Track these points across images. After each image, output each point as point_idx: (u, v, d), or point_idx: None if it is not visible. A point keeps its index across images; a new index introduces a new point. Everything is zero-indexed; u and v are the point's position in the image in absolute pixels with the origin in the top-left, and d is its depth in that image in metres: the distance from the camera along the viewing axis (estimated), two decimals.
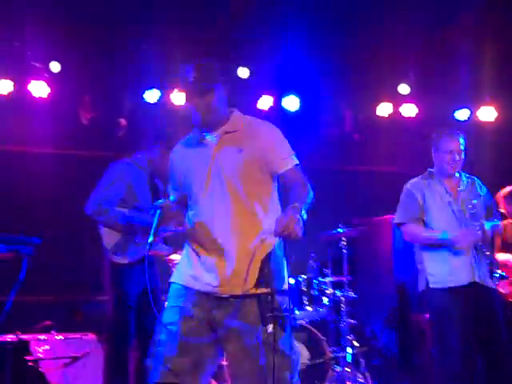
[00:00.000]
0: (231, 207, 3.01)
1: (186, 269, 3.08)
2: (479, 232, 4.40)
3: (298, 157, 7.21)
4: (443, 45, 7.26)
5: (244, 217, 3.02)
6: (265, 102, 7.46)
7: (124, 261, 4.61)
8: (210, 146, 3.10)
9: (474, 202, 4.53)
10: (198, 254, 3.05)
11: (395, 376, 6.12)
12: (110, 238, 4.62)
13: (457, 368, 4.33)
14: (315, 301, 5.74)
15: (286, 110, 7.51)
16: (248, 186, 3.04)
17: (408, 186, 4.65)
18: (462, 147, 4.55)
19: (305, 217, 2.94)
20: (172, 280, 3.12)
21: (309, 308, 5.71)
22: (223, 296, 2.98)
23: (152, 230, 3.00)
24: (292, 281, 5.79)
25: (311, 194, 3.09)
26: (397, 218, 4.63)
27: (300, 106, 7.50)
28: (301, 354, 5.22)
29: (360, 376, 5.50)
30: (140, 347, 4.63)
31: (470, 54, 7.32)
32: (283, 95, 7.45)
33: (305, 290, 5.75)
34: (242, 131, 3.13)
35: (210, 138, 3.12)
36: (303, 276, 5.78)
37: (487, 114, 7.57)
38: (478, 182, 4.67)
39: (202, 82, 3.03)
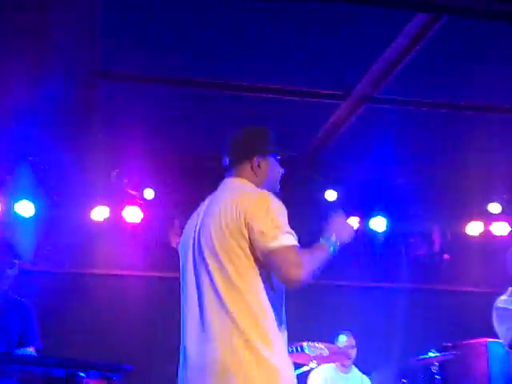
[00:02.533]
0: None
1: None
2: None
3: (387, 278, 7.08)
4: None
5: None
6: (352, 223, 7.50)
7: None
8: None
9: None
10: None
11: None
12: None
13: None
14: None
15: (374, 231, 7.52)
16: None
17: (499, 304, 4.49)
18: None
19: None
20: None
21: None
22: None
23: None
24: None
25: None
26: (504, 339, 4.40)
27: (388, 226, 7.50)
28: None
29: None
30: None
31: None
32: (370, 216, 7.49)
33: None
34: None
35: None
36: None
37: None
38: None
39: None
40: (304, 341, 5.22)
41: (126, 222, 6.83)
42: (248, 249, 2.69)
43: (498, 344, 7.00)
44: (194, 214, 3.01)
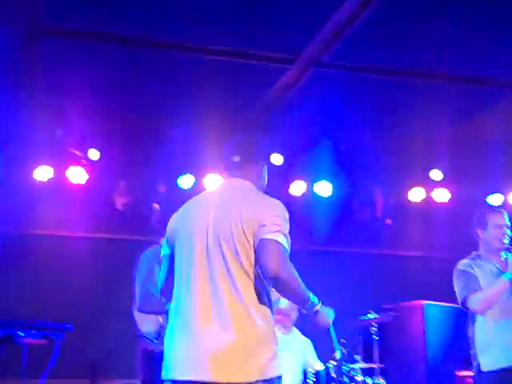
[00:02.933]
0: None
1: None
2: None
3: (330, 242, 7.30)
4: (475, 129, 7.34)
5: None
6: (297, 188, 7.58)
7: (159, 349, 4.58)
8: None
9: None
10: None
11: None
12: (146, 325, 4.62)
13: None
14: None
15: (319, 196, 7.61)
16: None
17: (459, 267, 4.58)
18: (509, 223, 4.56)
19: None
20: None
21: None
22: None
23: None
24: (322, 367, 5.74)
25: None
26: (459, 296, 4.50)
27: (332, 192, 7.60)
28: None
29: None
30: None
31: (502, 137, 7.37)
32: (315, 181, 7.58)
33: (334, 376, 5.67)
34: None
35: None
36: (333, 362, 5.72)
37: None
38: None
39: None
40: None
41: (70, 183, 6.76)
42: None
43: (434, 306, 7.24)
44: (196, 204, 3.20)
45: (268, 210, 3.01)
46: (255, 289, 2.96)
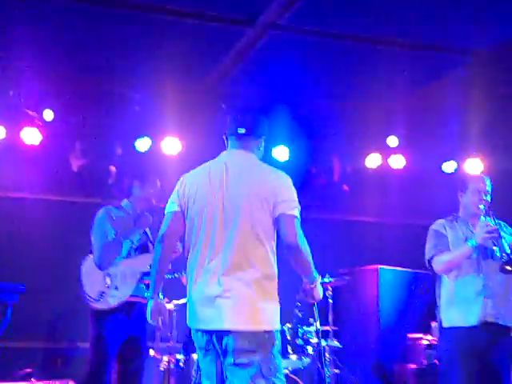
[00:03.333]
0: None
1: None
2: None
3: None
4: (431, 97, 7.40)
5: None
6: None
7: (105, 307, 4.60)
8: None
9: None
10: None
11: None
12: (91, 285, 4.63)
13: None
14: (299, 350, 5.74)
15: (276, 160, 7.62)
16: None
17: (433, 227, 4.66)
18: (489, 189, 4.62)
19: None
20: None
21: (293, 357, 5.70)
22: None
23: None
24: None
25: None
26: (426, 255, 4.59)
27: (290, 156, 7.61)
28: None
29: None
30: None
31: (457, 106, 7.44)
32: (273, 146, 7.57)
33: (289, 338, 5.75)
34: None
35: None
36: (288, 325, 5.79)
37: (474, 166, 7.65)
38: (503, 224, 4.66)
39: None
40: None
41: (24, 144, 6.63)
42: (269, 214, 3.41)
43: (388, 271, 7.36)
44: (207, 173, 3.56)
45: (283, 186, 3.46)
46: (265, 253, 3.41)
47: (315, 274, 3.56)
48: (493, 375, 4.39)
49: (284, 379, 3.39)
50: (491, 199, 4.60)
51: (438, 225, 4.66)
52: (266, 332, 3.34)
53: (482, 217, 4.53)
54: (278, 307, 3.44)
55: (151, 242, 4.83)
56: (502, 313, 4.42)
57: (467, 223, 4.62)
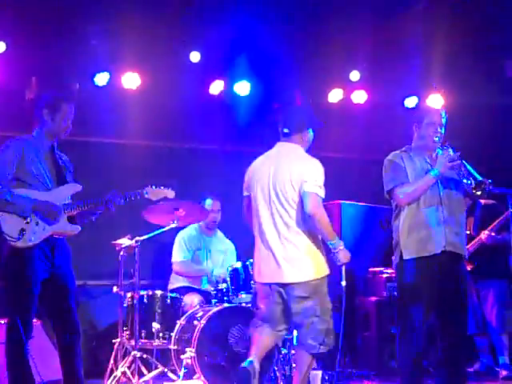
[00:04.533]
0: None
1: None
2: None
3: (248, 142, 7.41)
4: (393, 32, 7.34)
5: None
6: (216, 87, 7.48)
7: (26, 244, 4.34)
8: None
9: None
10: None
11: (338, 357, 6.21)
12: (8, 221, 4.32)
13: (419, 343, 4.47)
14: None
15: (238, 95, 7.54)
16: None
17: (389, 157, 4.70)
18: (444, 121, 4.66)
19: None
20: None
21: None
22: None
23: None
24: (239, 264, 5.85)
25: None
26: (386, 186, 4.65)
27: (251, 91, 7.53)
28: (246, 336, 5.33)
29: None
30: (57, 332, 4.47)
31: (420, 41, 7.42)
32: (235, 80, 7.48)
33: (252, 273, 5.78)
34: None
35: None
36: (251, 260, 5.81)
37: (435, 101, 7.68)
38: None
39: None
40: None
41: None
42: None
43: (350, 205, 7.42)
44: (262, 161, 4.69)
45: (310, 169, 4.44)
46: (300, 220, 4.44)
47: (336, 240, 4.45)
48: (447, 301, 4.53)
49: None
50: (445, 131, 4.65)
51: (395, 155, 4.70)
52: None
53: (438, 149, 4.58)
54: None
55: (70, 172, 4.64)
56: (457, 241, 4.55)
57: (422, 155, 4.67)
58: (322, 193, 4.44)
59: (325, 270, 4.49)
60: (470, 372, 5.87)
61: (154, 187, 4.91)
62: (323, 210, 4.43)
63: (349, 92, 7.86)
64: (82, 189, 4.60)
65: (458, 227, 4.59)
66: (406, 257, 4.56)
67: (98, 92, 6.94)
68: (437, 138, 4.60)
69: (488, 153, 7.22)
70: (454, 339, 4.55)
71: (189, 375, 5.36)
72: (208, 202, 6.59)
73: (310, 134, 4.73)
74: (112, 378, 5.38)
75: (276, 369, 5.44)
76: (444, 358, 4.56)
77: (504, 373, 6.30)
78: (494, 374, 6.42)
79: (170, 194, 5.08)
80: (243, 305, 5.61)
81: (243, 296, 5.70)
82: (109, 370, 5.53)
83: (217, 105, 7.52)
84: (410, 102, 7.80)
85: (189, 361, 5.32)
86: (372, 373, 6.44)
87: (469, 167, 4.51)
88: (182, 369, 5.38)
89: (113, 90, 7.03)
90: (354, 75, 7.73)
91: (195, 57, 7.14)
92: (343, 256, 4.47)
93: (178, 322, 5.72)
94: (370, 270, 7.02)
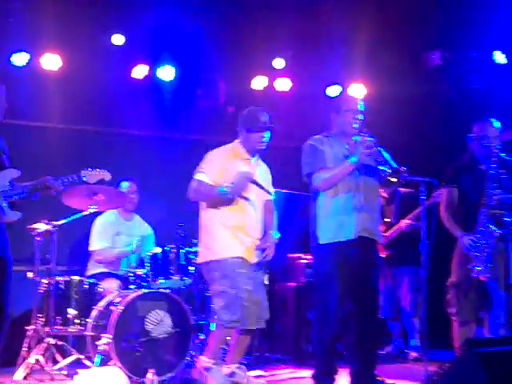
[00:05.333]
0: None
1: None
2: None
3: (171, 128, 7.33)
4: (317, 21, 7.41)
5: None
6: (140, 71, 7.40)
7: (5, 220, 4.35)
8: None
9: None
10: None
11: (256, 344, 6.27)
12: None
13: (333, 328, 4.56)
14: (182, 270, 5.78)
15: (161, 80, 7.48)
16: None
17: (309, 142, 4.75)
18: (362, 108, 4.72)
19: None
20: None
21: (175, 277, 5.74)
22: None
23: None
24: (159, 250, 5.81)
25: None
26: (304, 170, 4.71)
27: (175, 77, 7.48)
28: (164, 322, 5.31)
29: None
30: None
31: (343, 31, 7.49)
32: (158, 65, 7.41)
33: (172, 259, 5.77)
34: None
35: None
36: (170, 245, 5.80)
37: (357, 90, 7.79)
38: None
39: None
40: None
41: None
42: None
43: (277, 193, 7.45)
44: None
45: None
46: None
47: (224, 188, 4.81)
48: (360, 286, 4.63)
49: None
50: (364, 119, 4.73)
51: (315, 139, 4.76)
52: None
53: (356, 135, 4.65)
54: None
55: (6, 156, 4.50)
56: (371, 227, 4.66)
57: (341, 141, 4.73)
58: (198, 176, 4.89)
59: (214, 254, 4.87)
60: (382, 354, 6.00)
61: (90, 169, 4.85)
62: (197, 189, 4.85)
63: (272, 79, 7.89)
64: None
65: (373, 213, 4.69)
66: (322, 241, 4.63)
67: (17, 72, 6.76)
68: (356, 125, 4.67)
69: (407, 141, 7.37)
70: (366, 323, 4.66)
71: (105, 362, 5.30)
72: (124, 185, 6.53)
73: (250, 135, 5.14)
74: (24, 365, 5.26)
75: (193, 354, 5.44)
76: (357, 341, 4.67)
77: (414, 354, 6.50)
78: (404, 356, 6.62)
79: (107, 175, 5.05)
80: (161, 290, 5.58)
81: (162, 281, 5.68)
82: (21, 357, 5.41)
83: (141, 89, 7.44)
84: (333, 90, 7.88)
85: (106, 347, 5.26)
86: (288, 357, 6.51)
87: (385, 154, 4.59)
88: (97, 355, 5.32)
89: (33, 71, 6.87)
90: (279, 63, 7.76)
91: (119, 39, 7.04)
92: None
93: (94, 307, 5.65)
94: (289, 255, 7.08)
